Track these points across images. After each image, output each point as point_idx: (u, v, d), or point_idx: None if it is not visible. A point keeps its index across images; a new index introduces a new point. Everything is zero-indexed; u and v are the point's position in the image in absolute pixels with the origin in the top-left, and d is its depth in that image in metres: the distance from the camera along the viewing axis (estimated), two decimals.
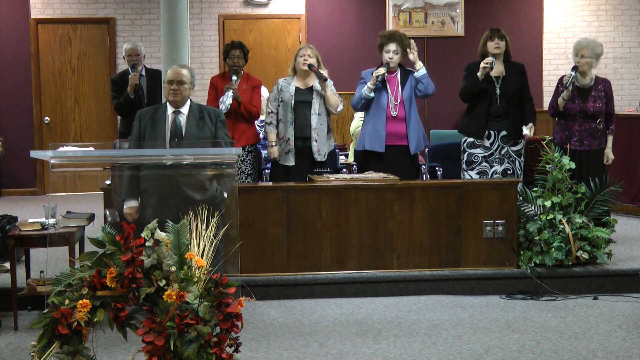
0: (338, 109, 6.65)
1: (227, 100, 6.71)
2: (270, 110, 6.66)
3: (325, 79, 6.52)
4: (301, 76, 6.66)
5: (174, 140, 5.13)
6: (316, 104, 6.58)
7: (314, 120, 6.57)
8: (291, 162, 6.61)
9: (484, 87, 6.51)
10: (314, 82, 6.61)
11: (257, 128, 7.53)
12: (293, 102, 6.57)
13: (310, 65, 6.53)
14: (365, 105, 6.61)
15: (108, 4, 10.61)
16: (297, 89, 6.62)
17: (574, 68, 6.62)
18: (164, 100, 5.39)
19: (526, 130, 6.52)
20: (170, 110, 5.23)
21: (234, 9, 10.76)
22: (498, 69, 6.57)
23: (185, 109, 5.23)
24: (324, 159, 6.64)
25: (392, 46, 6.54)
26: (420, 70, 6.55)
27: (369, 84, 6.52)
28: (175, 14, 7.66)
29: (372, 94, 6.53)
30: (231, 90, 6.74)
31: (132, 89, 7.23)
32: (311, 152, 6.59)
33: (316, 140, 6.57)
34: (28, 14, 10.49)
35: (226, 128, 5.35)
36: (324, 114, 6.62)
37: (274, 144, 6.65)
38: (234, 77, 6.85)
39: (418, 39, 10.77)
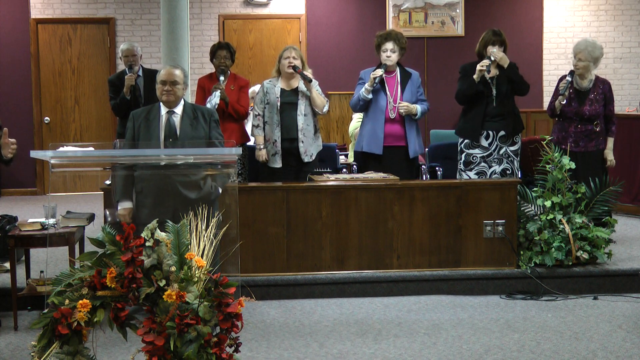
0: (324, 110, 6.61)
1: (214, 100, 6.69)
2: (257, 113, 6.60)
3: (310, 80, 6.46)
4: (286, 77, 6.58)
5: (168, 141, 5.12)
6: (302, 105, 6.53)
7: (301, 121, 6.51)
8: (278, 164, 6.54)
9: (480, 89, 6.49)
10: (299, 83, 6.55)
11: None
12: (279, 103, 6.53)
13: (294, 67, 6.47)
14: (364, 106, 6.60)
15: (108, 4, 10.62)
16: (282, 90, 6.56)
17: (571, 72, 6.61)
18: None
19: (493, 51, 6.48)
20: (164, 110, 5.21)
21: (234, 9, 10.76)
22: (493, 71, 6.55)
23: (179, 109, 5.21)
24: (311, 160, 6.59)
25: (389, 44, 6.52)
26: (418, 114, 6.56)
27: (366, 85, 6.49)
28: (175, 14, 7.68)
29: (370, 96, 6.50)
30: (219, 91, 6.73)
31: (129, 89, 7.20)
32: (298, 153, 6.54)
33: (303, 142, 6.52)
34: (28, 14, 10.49)
35: (219, 128, 5.34)
36: (310, 114, 6.58)
37: (262, 146, 6.57)
38: (221, 78, 6.85)
39: (418, 39, 10.80)
